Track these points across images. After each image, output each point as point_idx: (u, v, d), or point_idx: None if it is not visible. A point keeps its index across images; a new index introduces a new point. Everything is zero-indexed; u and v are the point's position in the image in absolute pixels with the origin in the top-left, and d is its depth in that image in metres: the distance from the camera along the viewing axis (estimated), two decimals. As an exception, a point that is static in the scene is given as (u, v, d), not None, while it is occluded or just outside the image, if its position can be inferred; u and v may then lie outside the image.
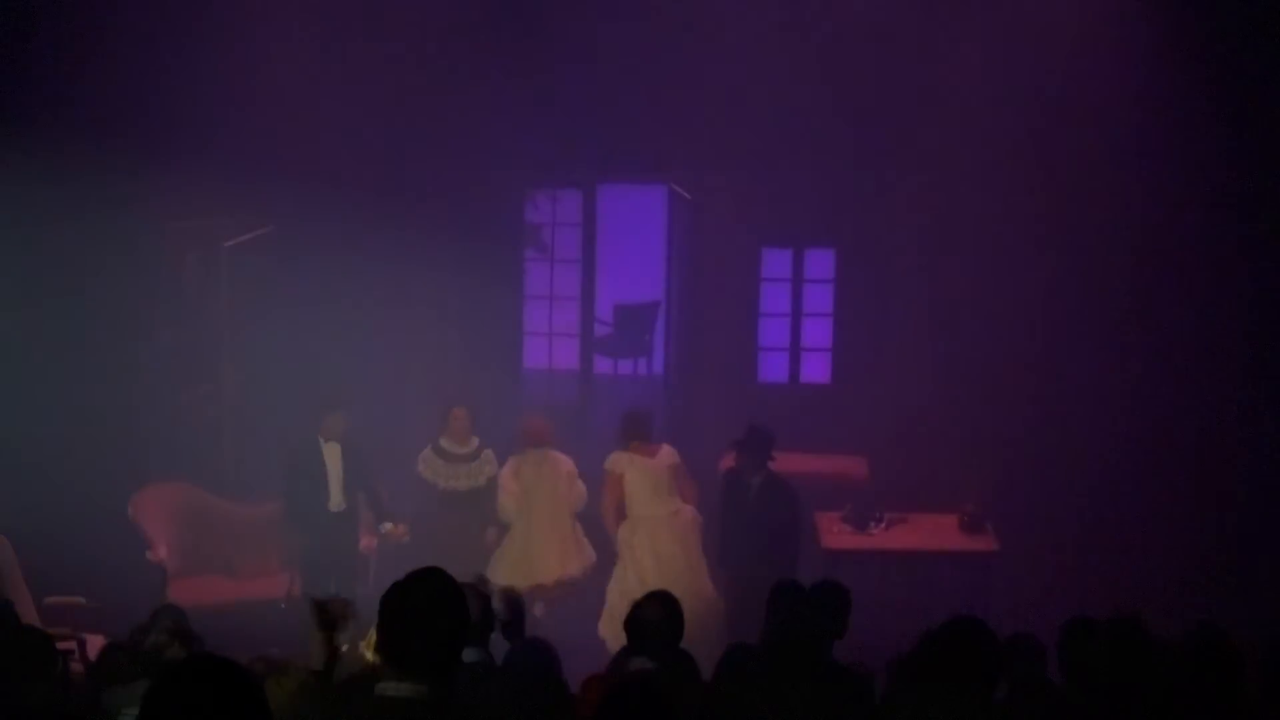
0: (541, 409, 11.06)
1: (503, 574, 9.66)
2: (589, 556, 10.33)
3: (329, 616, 5.16)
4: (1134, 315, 11.71)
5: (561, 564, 10.22)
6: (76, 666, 7.76)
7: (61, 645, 6.61)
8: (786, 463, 11.91)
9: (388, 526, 10.00)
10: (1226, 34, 11.05)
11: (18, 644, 6.00)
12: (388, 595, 3.87)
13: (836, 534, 10.59)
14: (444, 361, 12.07)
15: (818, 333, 12.65)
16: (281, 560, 10.21)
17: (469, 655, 5.48)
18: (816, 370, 12.70)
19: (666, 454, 10.06)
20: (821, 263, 12.52)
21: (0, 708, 5.27)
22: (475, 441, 10.36)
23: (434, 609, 3.83)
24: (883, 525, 10.68)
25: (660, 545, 9.84)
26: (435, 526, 10.14)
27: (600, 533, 10.23)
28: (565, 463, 10.40)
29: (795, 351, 12.67)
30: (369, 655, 5.87)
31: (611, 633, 9.36)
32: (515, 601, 6.67)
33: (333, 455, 9.78)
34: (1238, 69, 11.10)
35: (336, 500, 9.80)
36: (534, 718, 5.81)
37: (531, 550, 10.18)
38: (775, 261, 12.54)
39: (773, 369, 12.74)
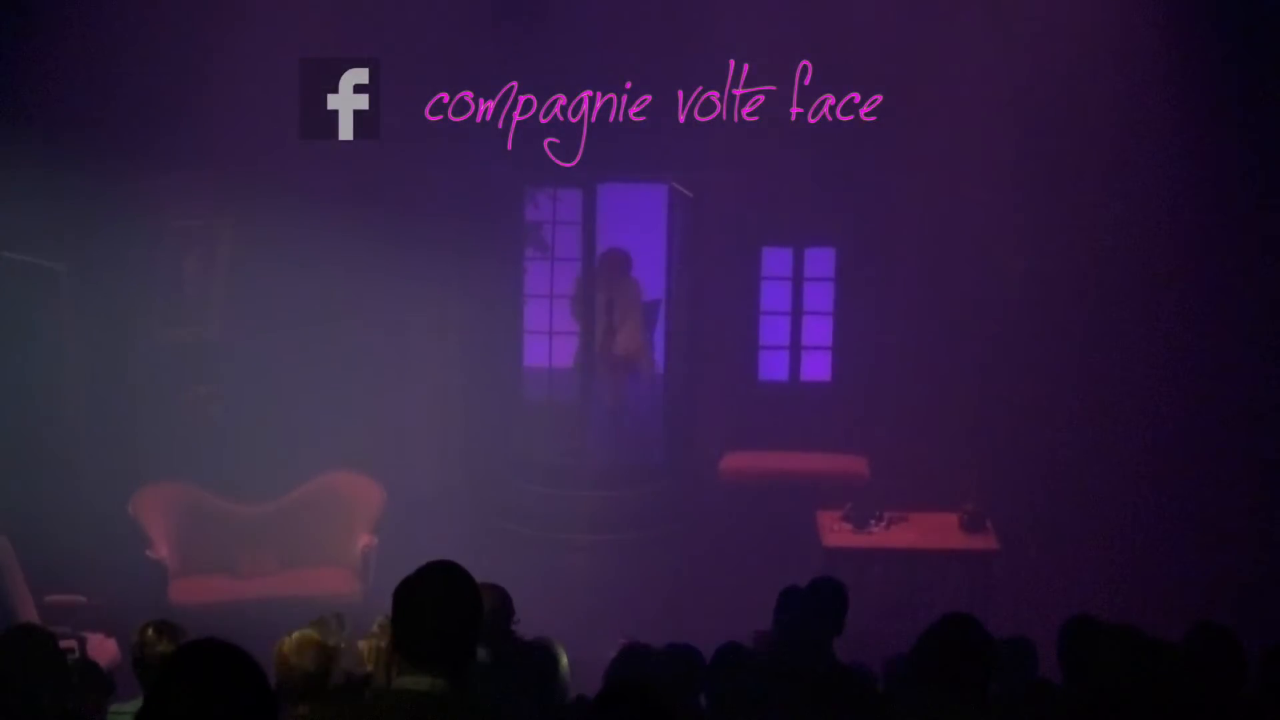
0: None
1: None
2: None
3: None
4: (1136, 315, 11.68)
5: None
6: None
7: (62, 644, 6.60)
8: (787, 461, 11.96)
9: None
10: (1231, 32, 11.03)
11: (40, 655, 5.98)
12: (400, 589, 3.88)
13: (836, 532, 10.58)
14: (444, 359, 12.05)
15: (818, 331, 12.63)
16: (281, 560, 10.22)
17: (483, 653, 5.47)
18: (817, 368, 12.68)
19: None
20: (822, 261, 12.50)
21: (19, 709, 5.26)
22: None
23: (447, 601, 3.84)
24: (883, 524, 10.67)
25: None
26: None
27: None
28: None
29: (796, 350, 12.65)
30: (365, 653, 5.85)
31: None
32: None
33: None
34: (1245, 66, 11.08)
35: None
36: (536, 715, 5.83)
37: None
38: (776, 260, 12.52)
39: (773, 367, 12.71)
